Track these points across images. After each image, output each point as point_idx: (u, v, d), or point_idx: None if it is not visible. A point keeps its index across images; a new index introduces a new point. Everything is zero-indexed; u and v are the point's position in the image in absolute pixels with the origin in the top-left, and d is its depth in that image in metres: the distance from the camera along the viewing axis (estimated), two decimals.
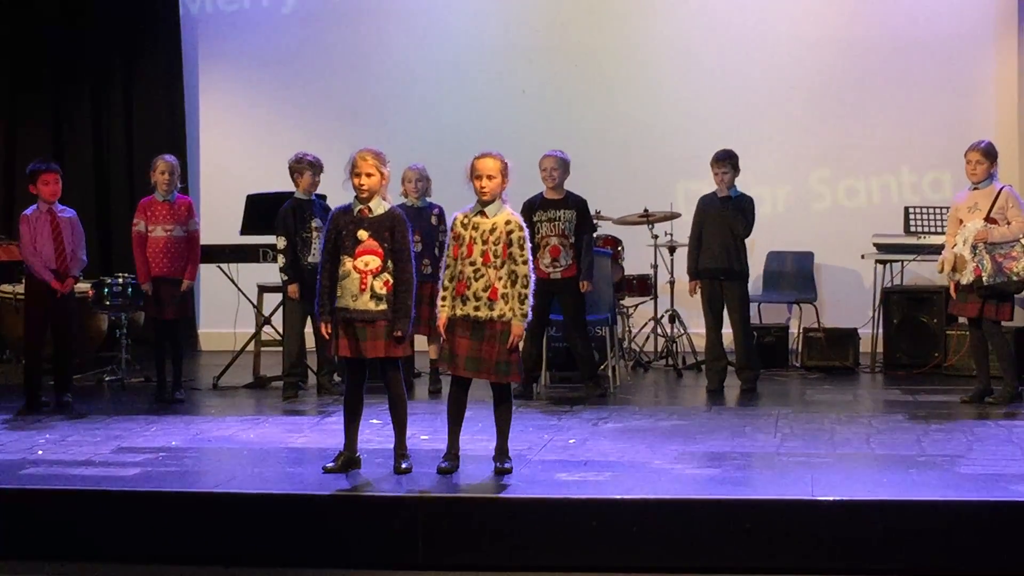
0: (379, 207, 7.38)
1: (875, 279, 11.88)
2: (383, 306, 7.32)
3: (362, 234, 7.33)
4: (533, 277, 7.37)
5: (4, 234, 12.46)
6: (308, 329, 10.46)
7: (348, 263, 7.34)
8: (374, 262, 7.32)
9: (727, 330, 10.60)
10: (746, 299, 10.61)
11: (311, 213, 10.17)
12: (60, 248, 9.74)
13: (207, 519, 6.96)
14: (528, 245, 7.33)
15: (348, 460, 7.45)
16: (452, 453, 7.46)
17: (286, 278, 10.17)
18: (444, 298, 7.33)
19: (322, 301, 7.42)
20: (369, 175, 7.33)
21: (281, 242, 10.15)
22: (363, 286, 7.31)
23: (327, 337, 7.43)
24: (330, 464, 7.43)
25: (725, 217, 10.38)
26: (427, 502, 6.88)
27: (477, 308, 7.27)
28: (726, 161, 10.41)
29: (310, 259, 10.11)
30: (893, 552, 6.50)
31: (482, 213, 7.31)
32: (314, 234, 10.14)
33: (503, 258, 7.27)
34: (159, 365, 10.22)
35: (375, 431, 8.40)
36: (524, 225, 7.36)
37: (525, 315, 7.29)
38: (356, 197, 7.40)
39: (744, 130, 12.41)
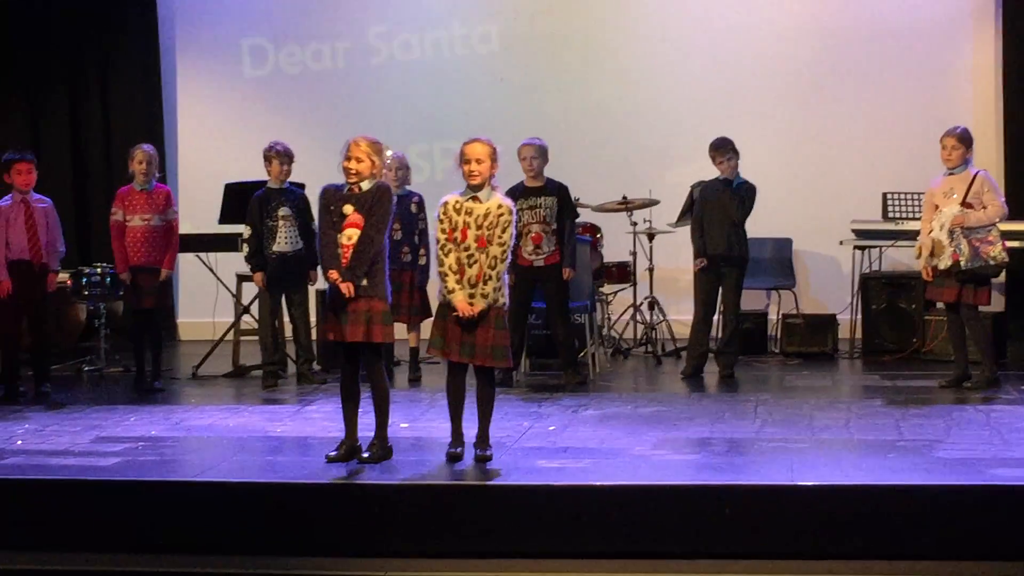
0: (368, 185, 7.34)
1: (853, 265, 11.90)
2: (365, 281, 7.29)
3: (347, 208, 7.28)
4: (509, 259, 7.36)
5: None
6: (289, 318, 10.53)
7: (337, 238, 7.30)
8: (356, 235, 7.30)
9: (715, 317, 10.58)
10: (741, 285, 10.60)
11: (280, 202, 10.16)
12: (34, 238, 9.72)
13: (187, 508, 6.95)
14: (512, 230, 7.33)
15: (350, 449, 7.42)
16: (457, 439, 7.46)
17: (251, 267, 10.18)
18: (459, 281, 7.26)
19: (333, 266, 7.26)
20: (359, 160, 7.27)
21: (247, 231, 10.18)
22: (345, 260, 7.29)
23: (349, 295, 7.25)
24: (332, 453, 7.40)
25: (728, 204, 10.36)
26: (406, 490, 6.88)
27: (472, 295, 7.26)
28: (727, 148, 10.39)
29: (275, 248, 10.13)
30: (872, 536, 6.52)
31: (474, 198, 7.31)
32: (280, 223, 10.14)
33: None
34: (138, 355, 10.21)
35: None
36: (514, 210, 7.37)
37: (486, 296, 7.26)
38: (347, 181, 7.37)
39: (722, 117, 12.40)
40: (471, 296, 7.27)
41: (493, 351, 7.33)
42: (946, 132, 9.68)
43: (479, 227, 7.28)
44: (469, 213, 7.30)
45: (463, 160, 7.32)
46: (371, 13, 13.50)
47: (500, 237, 7.28)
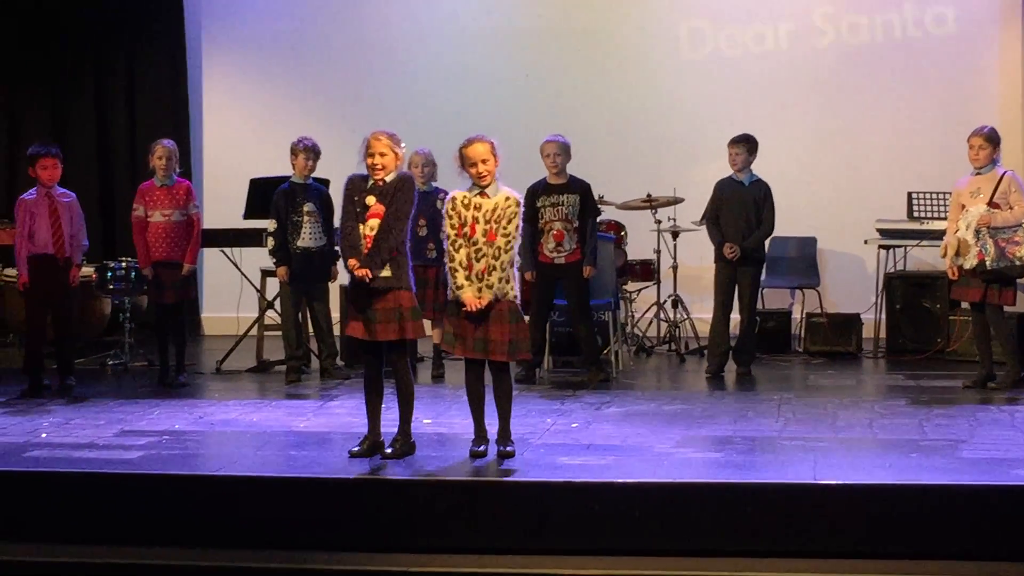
0: (392, 177, 7.34)
1: (878, 264, 11.87)
2: (388, 272, 7.31)
3: (370, 199, 7.30)
4: (516, 249, 7.36)
5: (7, 218, 12.46)
6: (309, 314, 10.55)
7: (359, 229, 7.32)
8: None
9: (734, 315, 10.57)
10: (757, 284, 10.61)
11: (304, 197, 10.19)
12: (58, 232, 9.75)
13: (209, 502, 6.97)
14: (519, 222, 7.33)
15: (373, 444, 7.44)
16: (481, 436, 7.47)
17: (275, 261, 10.21)
18: (468, 277, 7.26)
19: (353, 254, 7.28)
20: (383, 155, 7.29)
21: (271, 225, 10.21)
22: (366, 250, 7.29)
23: (368, 279, 7.26)
24: (356, 448, 7.43)
25: (743, 201, 10.38)
26: (429, 485, 6.89)
27: (481, 291, 7.26)
28: (741, 143, 10.42)
29: (299, 243, 10.16)
30: (894, 536, 6.50)
31: (483, 194, 7.31)
32: (305, 218, 10.17)
33: None
34: (161, 349, 10.23)
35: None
36: (521, 203, 7.38)
37: (491, 287, 7.26)
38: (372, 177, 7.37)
39: (747, 115, 12.37)
40: (478, 290, 7.27)
41: (510, 346, 7.33)
42: (973, 132, 9.65)
43: (487, 222, 7.29)
44: (478, 208, 7.30)
45: (468, 164, 7.32)
46: (397, 10, 13.51)
47: (505, 228, 7.28)
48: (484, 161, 7.28)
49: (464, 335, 7.32)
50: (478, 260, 7.27)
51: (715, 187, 10.60)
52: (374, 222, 7.30)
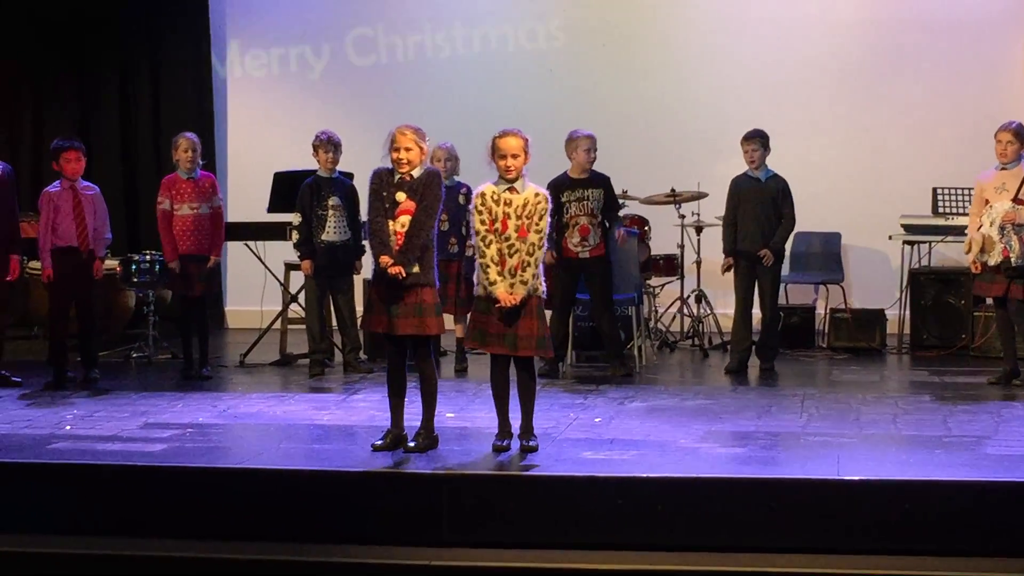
0: (419, 172, 7.37)
1: (902, 260, 11.83)
2: (416, 268, 7.31)
3: (400, 196, 7.32)
4: (546, 246, 7.39)
5: (33, 211, 12.50)
6: (334, 308, 10.56)
7: (390, 225, 7.34)
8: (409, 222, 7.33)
9: (756, 311, 10.55)
10: (778, 280, 10.60)
11: (329, 191, 10.21)
12: (82, 225, 9.78)
13: (233, 495, 6.98)
14: (549, 218, 7.33)
15: (396, 438, 7.46)
16: (504, 431, 7.47)
17: (299, 254, 10.23)
18: (500, 273, 7.25)
19: (384, 251, 7.29)
20: (408, 149, 7.31)
21: (296, 218, 10.23)
22: (398, 246, 7.31)
23: (401, 277, 7.28)
24: (379, 442, 7.44)
25: (761, 198, 10.35)
26: (452, 479, 6.89)
27: (512, 285, 7.26)
28: (755, 139, 10.39)
29: (323, 237, 10.18)
30: (918, 532, 6.49)
31: (512, 189, 7.30)
32: (330, 212, 10.19)
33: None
34: (185, 342, 10.26)
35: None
36: (549, 199, 7.38)
37: (525, 283, 7.27)
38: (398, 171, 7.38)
39: (772, 110, 12.34)
40: (511, 285, 7.27)
41: (537, 341, 7.33)
42: (1001, 127, 9.61)
43: (519, 217, 7.29)
44: (508, 204, 7.30)
45: (498, 155, 7.31)
46: (422, 4, 13.51)
47: (537, 224, 7.28)
48: (515, 156, 7.27)
49: (495, 331, 7.32)
50: (511, 256, 7.27)
51: (731, 185, 10.56)
52: (405, 218, 7.31)
